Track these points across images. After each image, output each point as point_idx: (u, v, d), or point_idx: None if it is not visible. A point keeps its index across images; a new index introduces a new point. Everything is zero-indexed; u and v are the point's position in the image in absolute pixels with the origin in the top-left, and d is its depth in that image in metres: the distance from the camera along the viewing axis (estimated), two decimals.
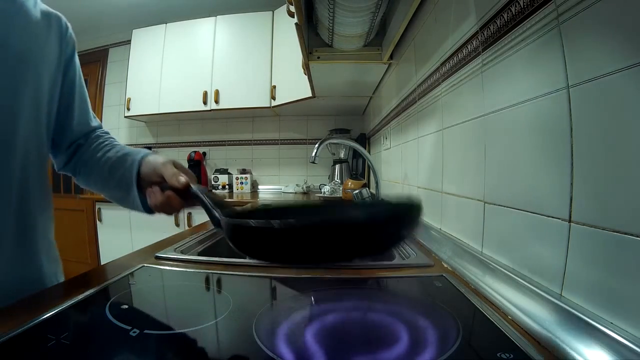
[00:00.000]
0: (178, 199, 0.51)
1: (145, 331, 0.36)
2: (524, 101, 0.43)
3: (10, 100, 0.49)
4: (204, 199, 0.45)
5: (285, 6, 1.13)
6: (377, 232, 0.30)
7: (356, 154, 2.31)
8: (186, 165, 2.57)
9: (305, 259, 0.30)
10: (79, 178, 0.66)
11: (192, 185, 0.49)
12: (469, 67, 0.60)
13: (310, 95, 1.90)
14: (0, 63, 0.47)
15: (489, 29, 0.52)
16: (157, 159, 0.56)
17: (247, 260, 0.62)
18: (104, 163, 0.60)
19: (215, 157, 2.77)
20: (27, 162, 0.52)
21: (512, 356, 0.31)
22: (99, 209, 2.33)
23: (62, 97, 0.60)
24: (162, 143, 2.86)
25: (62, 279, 0.59)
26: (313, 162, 1.02)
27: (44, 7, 0.57)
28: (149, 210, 0.57)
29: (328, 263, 0.30)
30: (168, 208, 0.52)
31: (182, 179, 0.50)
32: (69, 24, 0.61)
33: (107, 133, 0.68)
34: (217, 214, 0.41)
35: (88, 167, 0.62)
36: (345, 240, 0.29)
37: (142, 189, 0.56)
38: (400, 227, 0.31)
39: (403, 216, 0.31)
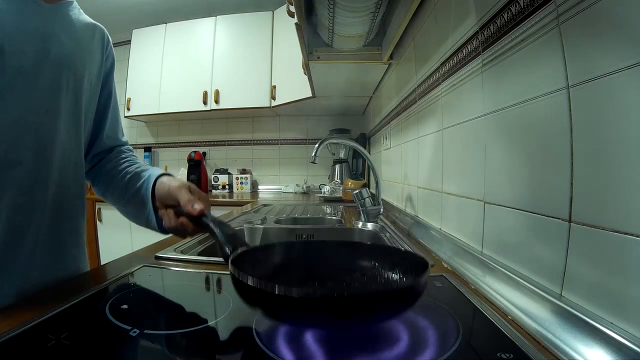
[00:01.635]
0: (191, 225, 0.51)
1: (145, 331, 0.36)
2: (524, 101, 0.43)
3: (51, 103, 0.50)
4: (216, 232, 0.45)
5: (285, 6, 1.13)
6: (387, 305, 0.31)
7: (356, 154, 2.31)
8: (186, 165, 2.57)
9: (314, 323, 0.30)
10: (96, 187, 0.67)
11: (206, 215, 0.49)
12: (469, 67, 0.60)
13: (310, 95, 1.90)
14: (42, 67, 0.48)
15: (489, 29, 0.52)
16: (172, 181, 0.56)
17: None
18: (123, 176, 0.62)
19: (215, 157, 2.77)
20: (65, 165, 0.54)
21: (512, 356, 0.30)
22: (99, 209, 2.33)
23: (98, 108, 0.63)
24: (162, 143, 2.86)
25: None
26: (313, 162, 1.02)
27: (88, 18, 0.59)
28: (163, 229, 0.57)
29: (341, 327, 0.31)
30: (181, 232, 0.53)
31: (197, 206, 0.50)
32: (110, 38, 0.64)
33: (131, 150, 0.71)
34: (227, 251, 0.42)
35: (108, 178, 0.64)
36: (361, 312, 0.29)
37: (156, 208, 0.57)
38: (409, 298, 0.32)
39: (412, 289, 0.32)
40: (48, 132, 0.50)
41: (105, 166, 0.66)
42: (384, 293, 0.30)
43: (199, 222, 0.50)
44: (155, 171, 0.60)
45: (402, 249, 0.42)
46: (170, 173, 0.60)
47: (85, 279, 0.57)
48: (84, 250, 0.63)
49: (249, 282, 0.30)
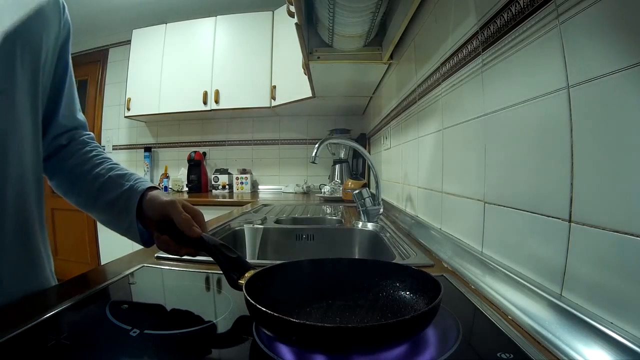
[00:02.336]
0: (192, 251, 0.50)
1: (145, 331, 0.36)
2: (524, 101, 0.43)
3: (5, 81, 0.44)
4: (219, 257, 0.44)
5: (285, 6, 1.13)
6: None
7: (356, 154, 2.31)
8: (186, 165, 2.57)
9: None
10: (55, 183, 0.59)
11: (206, 237, 0.48)
12: (469, 67, 0.60)
13: (310, 95, 1.90)
14: None
15: (489, 29, 0.52)
16: (161, 196, 0.52)
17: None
18: (93, 179, 0.55)
19: (215, 157, 2.77)
20: (23, 153, 0.47)
21: (512, 356, 0.31)
22: None
23: (53, 85, 0.55)
24: (162, 143, 2.86)
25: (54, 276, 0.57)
26: (313, 162, 1.02)
27: None
28: (148, 245, 0.55)
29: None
30: (179, 254, 0.51)
31: (197, 230, 0.48)
32: (65, 5, 0.55)
33: (93, 140, 0.63)
34: (234, 277, 0.42)
35: (72, 177, 0.57)
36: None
37: (144, 224, 0.54)
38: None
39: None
40: (3, 115, 0.43)
41: (67, 161, 0.57)
42: (405, 324, 0.29)
43: (198, 246, 0.48)
44: (139, 183, 0.54)
45: (414, 267, 0.42)
46: (156, 186, 0.56)
47: (85, 279, 0.56)
48: (48, 243, 0.56)
49: (275, 315, 0.29)
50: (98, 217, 0.58)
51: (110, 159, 0.60)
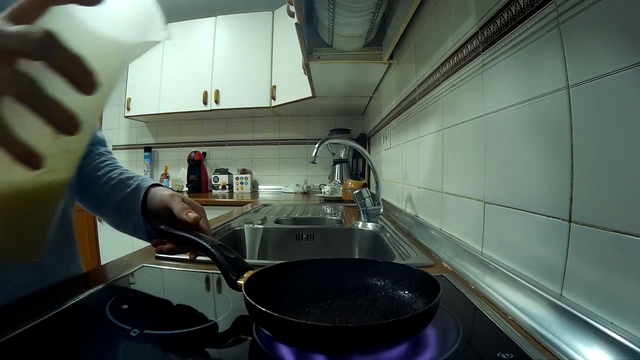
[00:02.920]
0: (194, 254, 0.51)
1: (145, 331, 0.36)
2: (524, 101, 0.43)
3: None
4: (217, 257, 0.44)
5: (285, 6, 1.13)
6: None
7: (356, 154, 2.31)
8: (186, 165, 2.57)
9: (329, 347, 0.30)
10: (71, 191, 0.62)
11: (205, 238, 0.48)
12: (469, 67, 0.60)
13: (310, 95, 1.90)
14: None
15: (489, 29, 0.52)
16: (163, 190, 0.55)
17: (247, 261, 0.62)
18: (105, 182, 0.58)
19: (215, 157, 2.77)
20: None
21: (512, 356, 0.30)
22: None
23: None
24: (162, 143, 2.86)
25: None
26: (313, 162, 1.02)
27: None
28: (151, 238, 0.57)
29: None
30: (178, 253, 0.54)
31: (192, 214, 0.49)
32: None
33: (110, 152, 0.67)
34: (233, 277, 0.42)
35: (87, 183, 0.60)
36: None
37: (148, 220, 0.56)
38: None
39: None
40: None
41: (82, 170, 0.60)
42: (405, 322, 0.29)
43: (197, 247, 0.48)
44: (145, 182, 0.57)
45: (413, 267, 0.42)
46: (160, 183, 0.57)
47: (85, 279, 0.57)
48: (76, 247, 0.60)
49: (275, 315, 0.29)
50: (108, 219, 0.61)
51: (122, 166, 0.64)
